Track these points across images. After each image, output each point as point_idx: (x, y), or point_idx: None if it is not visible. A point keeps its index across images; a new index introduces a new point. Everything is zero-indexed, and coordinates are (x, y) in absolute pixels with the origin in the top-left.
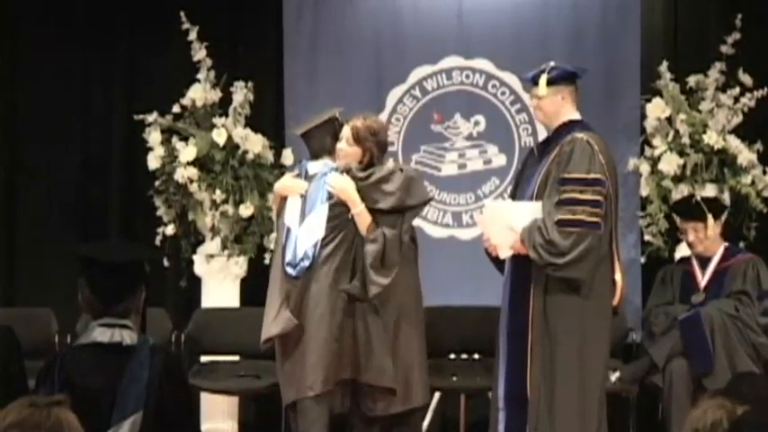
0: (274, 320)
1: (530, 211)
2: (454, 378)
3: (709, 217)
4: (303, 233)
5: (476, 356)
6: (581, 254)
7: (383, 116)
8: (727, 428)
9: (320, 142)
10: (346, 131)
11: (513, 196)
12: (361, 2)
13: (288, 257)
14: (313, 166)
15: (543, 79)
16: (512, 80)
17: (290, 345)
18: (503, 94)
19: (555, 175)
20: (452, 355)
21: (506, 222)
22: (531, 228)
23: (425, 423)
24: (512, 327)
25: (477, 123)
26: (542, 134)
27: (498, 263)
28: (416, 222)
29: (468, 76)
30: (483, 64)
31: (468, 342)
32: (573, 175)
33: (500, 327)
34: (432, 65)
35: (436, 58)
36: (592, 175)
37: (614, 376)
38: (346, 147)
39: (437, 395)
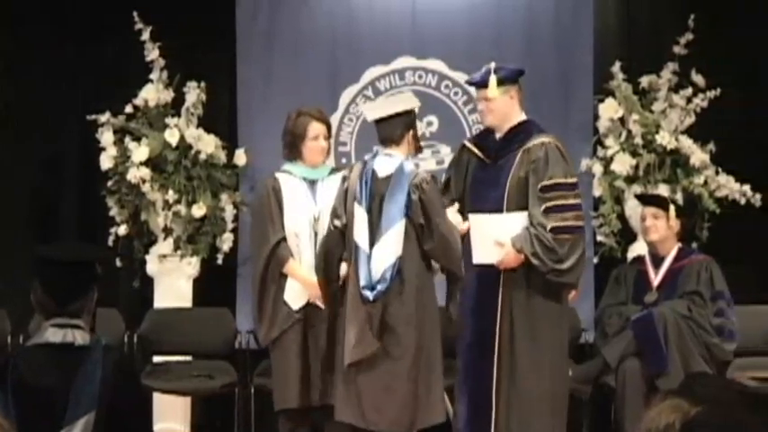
0: (356, 345)
1: (515, 222)
2: None
3: (672, 208)
4: (379, 252)
5: None
6: (579, 259)
7: (336, 116)
8: (679, 430)
9: (390, 131)
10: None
11: (461, 200)
12: (315, 2)
13: (362, 281)
14: (382, 166)
15: (493, 80)
16: (465, 80)
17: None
18: (455, 94)
19: (533, 182)
20: None
21: (491, 236)
22: (525, 237)
23: None
24: (475, 336)
25: (429, 124)
26: None
27: None
28: None
29: (420, 77)
30: (436, 64)
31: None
32: (554, 181)
33: (461, 337)
34: (385, 65)
35: (389, 58)
36: (570, 179)
37: None
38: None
39: None
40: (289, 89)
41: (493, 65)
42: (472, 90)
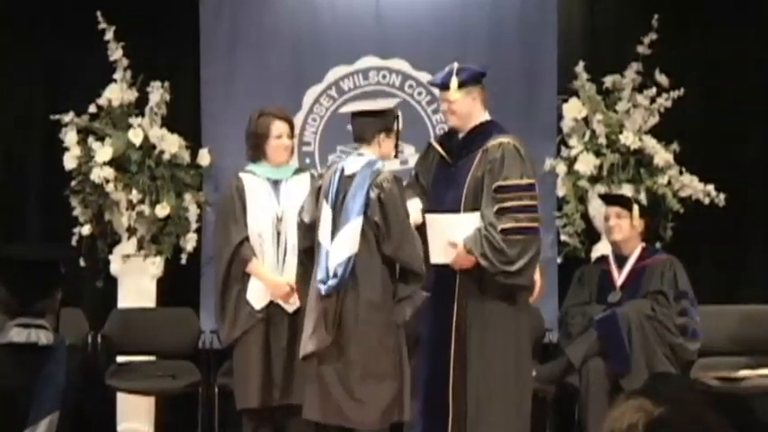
0: (310, 338)
1: (469, 222)
2: None
3: (635, 208)
4: (334, 248)
5: None
6: (529, 261)
7: (300, 116)
8: (642, 430)
9: (361, 129)
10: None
11: (425, 201)
12: (279, 2)
13: (319, 274)
14: (351, 164)
15: (455, 82)
16: (427, 81)
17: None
18: (419, 94)
19: (488, 182)
20: None
21: (446, 236)
22: (475, 238)
23: None
24: (432, 336)
25: None
26: None
27: None
28: None
29: (384, 77)
30: (400, 64)
31: None
32: (509, 182)
33: (419, 336)
34: (348, 65)
35: (353, 58)
36: (525, 180)
37: None
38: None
39: None
40: (252, 89)
41: (455, 65)
42: (436, 90)
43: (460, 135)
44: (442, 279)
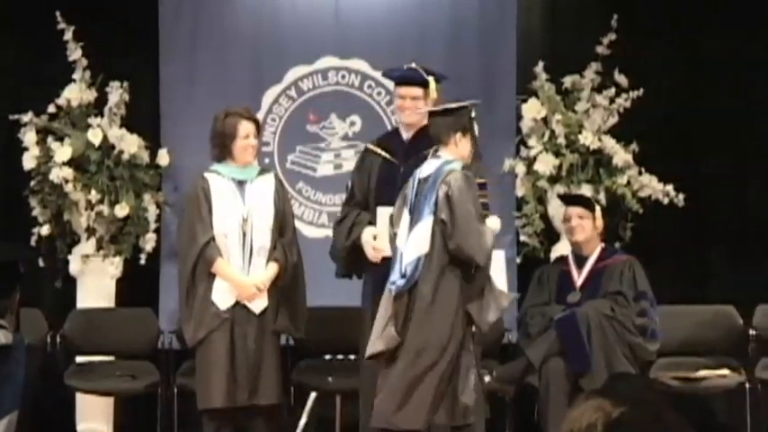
0: (379, 337)
1: None
2: (330, 379)
3: (597, 209)
4: (407, 249)
5: (351, 357)
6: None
7: (259, 116)
8: (602, 430)
9: (438, 129)
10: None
11: (365, 203)
12: (239, 2)
13: (392, 276)
14: (426, 167)
15: (432, 80)
16: (387, 80)
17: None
18: (378, 94)
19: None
20: (328, 356)
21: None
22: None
23: (301, 424)
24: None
25: (352, 124)
26: None
27: (356, 268)
28: None
29: (343, 77)
30: (359, 64)
31: (346, 343)
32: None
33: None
34: (308, 65)
35: (312, 58)
36: (479, 179)
37: (489, 377)
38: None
39: (313, 396)
40: (212, 89)
41: (414, 64)
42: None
43: (405, 136)
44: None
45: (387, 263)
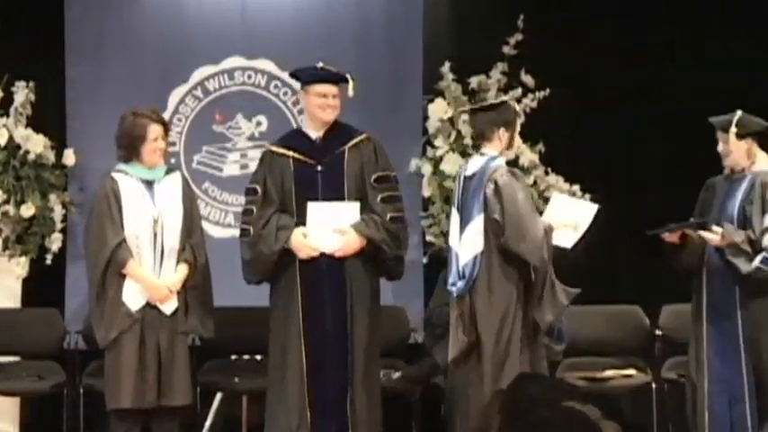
0: (453, 343)
1: (353, 210)
2: (236, 379)
3: None
4: (462, 249)
5: (258, 357)
6: (406, 250)
7: (165, 116)
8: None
9: (482, 126)
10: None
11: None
12: (145, 2)
13: (450, 278)
14: (471, 165)
15: (350, 78)
16: (293, 81)
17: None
18: (285, 94)
19: (367, 173)
20: (234, 356)
21: (331, 223)
22: (371, 224)
23: (207, 424)
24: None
25: (259, 124)
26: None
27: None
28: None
29: (250, 77)
30: (265, 64)
31: (251, 343)
32: (386, 173)
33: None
34: (214, 65)
35: (219, 58)
36: (393, 173)
37: (395, 376)
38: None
39: (219, 396)
40: (118, 89)
41: (321, 64)
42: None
43: (314, 135)
44: (333, 269)
45: (318, 260)
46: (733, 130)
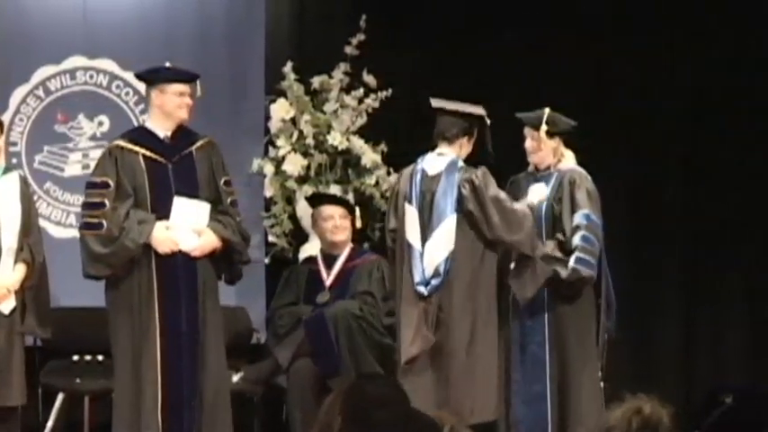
0: (413, 341)
1: (206, 211)
2: (78, 380)
3: (357, 209)
4: (431, 248)
5: (99, 358)
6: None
7: (7, 116)
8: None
9: (445, 127)
10: None
11: (137, 200)
12: None
13: (416, 277)
14: (432, 164)
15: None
16: (136, 81)
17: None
18: (127, 94)
19: (218, 176)
20: (76, 357)
21: (192, 221)
22: (225, 225)
23: (49, 425)
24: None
25: (101, 124)
26: None
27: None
28: (41, 223)
29: (92, 77)
30: (107, 64)
31: (93, 343)
32: (229, 177)
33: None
34: (56, 65)
35: (60, 57)
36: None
37: (237, 376)
38: None
39: (60, 397)
40: None
41: (168, 64)
42: (144, 90)
43: (161, 134)
44: (187, 266)
45: (174, 256)
46: (544, 128)
